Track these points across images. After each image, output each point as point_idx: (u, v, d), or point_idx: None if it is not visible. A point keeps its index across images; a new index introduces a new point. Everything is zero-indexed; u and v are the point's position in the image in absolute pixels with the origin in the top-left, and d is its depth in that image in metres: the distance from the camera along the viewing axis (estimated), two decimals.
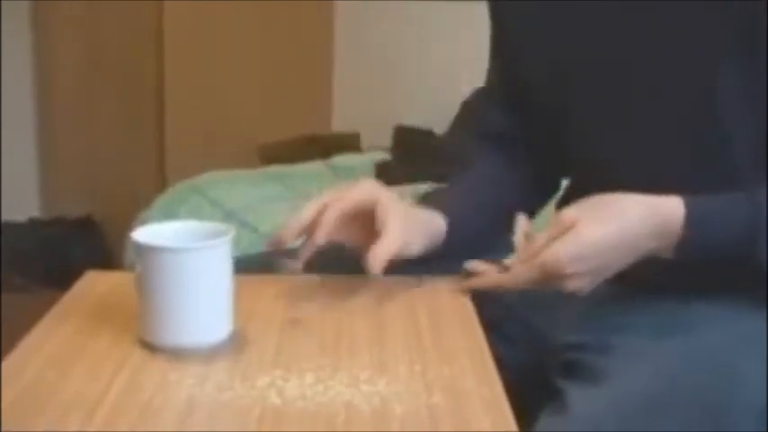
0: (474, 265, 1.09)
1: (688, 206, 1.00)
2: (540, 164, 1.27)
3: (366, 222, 1.09)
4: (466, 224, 1.18)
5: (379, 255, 1.06)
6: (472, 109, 1.51)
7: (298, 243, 1.09)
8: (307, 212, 1.08)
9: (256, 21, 3.35)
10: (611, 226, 1.00)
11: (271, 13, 3.38)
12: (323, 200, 1.09)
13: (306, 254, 1.08)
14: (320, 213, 1.07)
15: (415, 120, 3.20)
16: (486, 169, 1.28)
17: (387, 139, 3.21)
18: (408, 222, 1.11)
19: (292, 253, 1.09)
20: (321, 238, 1.06)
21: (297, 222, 1.07)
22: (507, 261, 1.05)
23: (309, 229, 1.08)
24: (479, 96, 1.42)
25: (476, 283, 1.08)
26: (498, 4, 1.26)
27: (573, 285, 1.00)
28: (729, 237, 0.99)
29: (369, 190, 1.11)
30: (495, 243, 1.20)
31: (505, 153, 1.28)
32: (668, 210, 1.00)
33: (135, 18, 3.27)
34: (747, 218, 0.99)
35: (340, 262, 1.12)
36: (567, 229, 0.99)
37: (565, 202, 1.27)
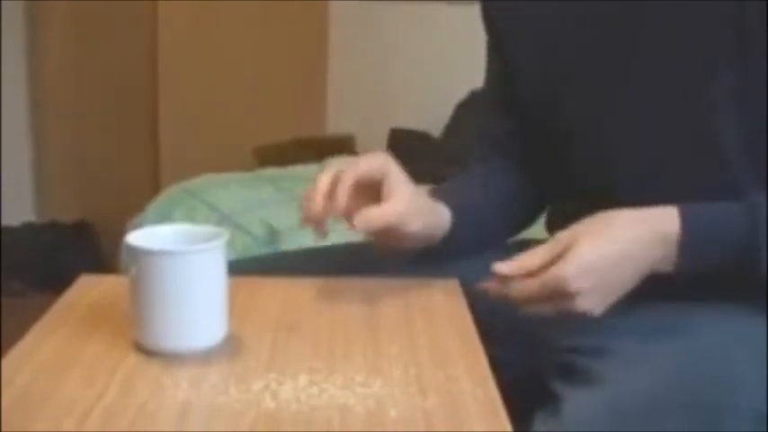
0: (501, 267, 1.03)
1: (683, 215, 1.00)
2: (537, 166, 1.27)
3: (374, 194, 1.08)
4: (467, 222, 1.18)
5: (373, 215, 1.05)
6: (476, 109, 1.52)
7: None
8: (322, 182, 1.06)
9: (251, 23, 3.36)
10: (611, 241, 0.99)
11: (265, 15, 3.38)
12: (334, 169, 1.08)
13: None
14: (333, 183, 1.06)
15: (410, 122, 3.20)
16: (486, 173, 1.28)
17: (382, 142, 3.21)
18: (414, 199, 1.11)
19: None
20: (341, 207, 1.05)
21: (318, 193, 1.06)
22: (504, 269, 1.03)
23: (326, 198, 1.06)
24: (480, 97, 1.42)
25: (489, 287, 1.05)
26: (491, 6, 1.26)
27: (581, 305, 0.99)
28: (728, 245, 0.99)
29: (381, 160, 1.10)
30: (491, 245, 1.20)
31: (504, 156, 1.28)
32: (664, 220, 1.00)
33: (129, 21, 3.27)
34: (743, 226, 0.99)
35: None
36: (566, 248, 0.99)
37: (558, 206, 1.27)
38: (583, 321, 1.09)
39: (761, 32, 0.99)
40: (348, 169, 1.07)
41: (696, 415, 0.96)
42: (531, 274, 0.99)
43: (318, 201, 1.05)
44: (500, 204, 1.26)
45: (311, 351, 0.94)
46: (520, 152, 1.27)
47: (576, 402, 0.97)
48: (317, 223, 1.06)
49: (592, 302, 0.99)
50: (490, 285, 1.03)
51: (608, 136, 1.12)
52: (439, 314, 1.05)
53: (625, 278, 1.01)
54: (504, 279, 1.01)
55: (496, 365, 0.91)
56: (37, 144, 3.87)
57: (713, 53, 1.02)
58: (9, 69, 3.71)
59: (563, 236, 1.01)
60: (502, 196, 1.27)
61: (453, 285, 1.12)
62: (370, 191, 1.08)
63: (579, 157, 1.17)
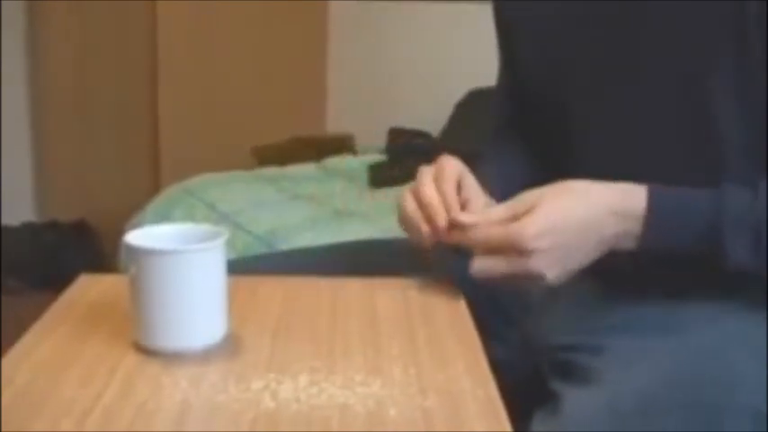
0: (464, 217, 1.05)
1: (651, 193, 1.00)
2: (545, 161, 1.27)
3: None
4: None
5: (472, 215, 1.06)
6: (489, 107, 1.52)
7: None
8: (431, 192, 1.08)
9: (250, 22, 3.36)
10: (575, 206, 1.00)
11: (265, 14, 3.38)
12: (430, 178, 1.09)
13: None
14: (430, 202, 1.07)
15: (409, 121, 3.20)
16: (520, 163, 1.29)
17: (381, 141, 3.21)
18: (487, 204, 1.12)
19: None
20: (459, 214, 1.06)
21: (438, 202, 1.07)
22: (466, 219, 1.04)
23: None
24: (494, 94, 1.42)
25: (446, 237, 1.06)
26: (501, 6, 1.27)
27: (535, 265, 0.98)
28: (692, 228, 0.99)
29: (458, 164, 1.11)
30: None
31: (521, 144, 1.29)
32: (630, 194, 1.01)
33: (128, 20, 3.27)
34: (710, 211, 0.98)
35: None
36: (531, 206, 0.99)
37: None
38: (580, 320, 1.09)
39: (761, 31, 0.99)
40: (446, 180, 1.08)
41: (695, 414, 0.96)
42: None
43: (441, 213, 1.06)
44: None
45: (311, 350, 0.94)
46: (529, 145, 1.28)
47: (576, 402, 0.98)
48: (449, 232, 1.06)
49: (546, 264, 0.99)
50: (452, 233, 1.04)
51: (610, 134, 1.12)
52: (439, 314, 1.05)
53: (585, 248, 1.01)
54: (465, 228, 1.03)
55: (496, 365, 0.91)
56: (37, 144, 3.87)
57: (714, 52, 1.02)
58: (9, 69, 3.71)
59: (529, 195, 1.01)
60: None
61: (453, 285, 1.11)
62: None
63: (581, 155, 1.17)
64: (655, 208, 1.00)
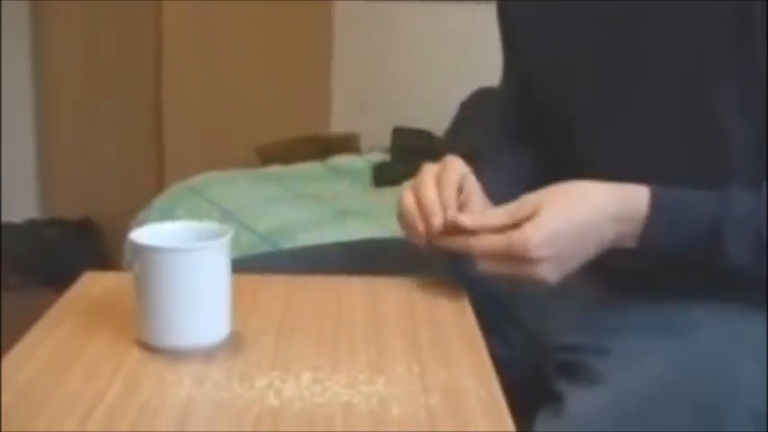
0: (462, 218, 1.05)
1: (653, 194, 1.00)
2: (548, 161, 1.27)
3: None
4: None
5: (472, 217, 1.05)
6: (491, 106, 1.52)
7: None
8: (430, 190, 1.08)
9: (255, 21, 3.35)
10: (576, 211, 1.00)
11: (270, 13, 3.38)
12: (431, 177, 1.09)
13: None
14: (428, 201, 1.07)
15: (413, 121, 3.20)
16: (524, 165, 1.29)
17: (385, 140, 3.21)
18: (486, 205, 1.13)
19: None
20: (459, 215, 1.06)
21: (435, 202, 1.07)
22: (466, 221, 1.03)
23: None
24: (498, 94, 1.42)
25: (447, 241, 1.06)
26: (504, 4, 1.27)
27: (539, 272, 0.99)
28: (693, 229, 0.99)
29: (462, 166, 1.11)
30: None
31: (523, 145, 1.29)
32: (632, 195, 1.01)
33: (134, 19, 3.27)
34: (712, 213, 0.98)
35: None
36: (533, 211, 0.99)
37: None
38: (584, 320, 1.09)
39: (762, 31, 0.99)
40: (448, 181, 1.08)
41: (697, 415, 0.96)
42: (493, 232, 1.00)
43: (439, 214, 1.06)
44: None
45: (315, 349, 0.94)
46: (531, 146, 1.28)
47: (579, 402, 0.98)
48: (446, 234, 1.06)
49: (550, 271, 0.99)
50: (455, 237, 1.04)
51: (613, 135, 1.12)
52: (442, 313, 1.05)
53: (587, 250, 1.01)
54: (466, 232, 1.02)
55: (499, 365, 0.91)
56: (41, 141, 3.87)
57: (715, 52, 1.02)
58: (13, 65, 3.72)
59: (529, 198, 1.01)
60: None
61: (457, 284, 1.11)
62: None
63: (584, 156, 1.17)
64: (656, 209, 1.00)
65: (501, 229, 1.00)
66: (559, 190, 1.02)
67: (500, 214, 1.02)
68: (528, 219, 0.99)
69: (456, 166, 1.11)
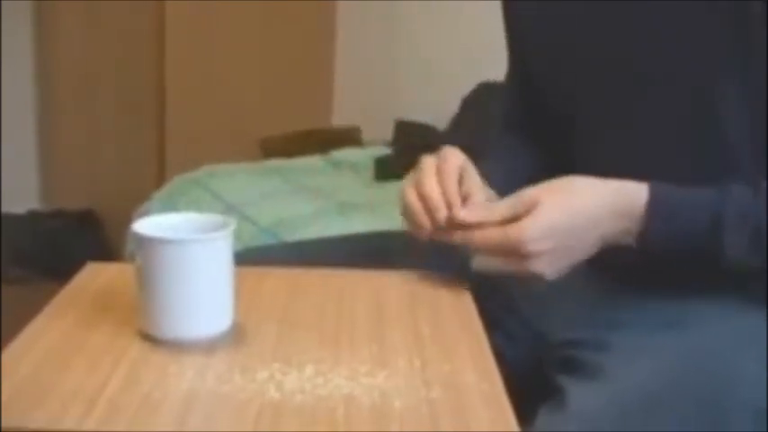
0: (466, 215, 1.05)
1: (652, 190, 1.00)
2: (551, 157, 1.27)
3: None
4: None
5: (474, 213, 1.05)
6: (497, 102, 1.52)
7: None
8: (432, 185, 1.08)
9: (258, 15, 3.35)
10: (575, 206, 1.00)
11: (273, 7, 3.37)
12: (431, 169, 1.09)
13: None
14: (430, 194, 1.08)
15: (415, 114, 3.20)
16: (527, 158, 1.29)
17: (387, 134, 3.20)
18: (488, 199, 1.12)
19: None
20: (461, 211, 1.06)
21: (439, 195, 1.07)
22: (469, 218, 1.03)
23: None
24: (503, 90, 1.42)
25: (448, 235, 1.06)
26: (509, 3, 1.27)
27: (535, 267, 0.99)
28: (692, 226, 0.99)
29: (460, 157, 1.12)
30: None
31: (527, 140, 1.29)
32: (631, 192, 1.01)
33: (136, 12, 3.26)
34: (712, 210, 0.98)
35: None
36: (531, 205, 0.99)
37: None
38: (585, 316, 1.09)
39: (762, 31, 0.99)
40: (448, 174, 1.08)
41: (699, 410, 0.96)
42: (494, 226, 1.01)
43: (442, 208, 1.06)
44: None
45: (316, 341, 0.94)
46: (536, 142, 1.28)
47: (580, 396, 0.98)
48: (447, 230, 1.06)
49: (546, 266, 1.00)
50: (452, 232, 1.04)
51: (615, 135, 1.12)
52: (444, 307, 1.05)
53: (584, 246, 1.01)
54: (467, 227, 1.03)
55: (501, 359, 0.91)
56: (43, 132, 3.87)
57: (717, 54, 1.02)
58: (16, 56, 3.72)
59: (527, 193, 1.01)
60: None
61: (459, 278, 1.11)
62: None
63: (587, 156, 1.17)
64: (655, 205, 1.00)
65: (502, 224, 1.00)
66: (558, 185, 1.02)
67: (502, 208, 1.02)
68: (526, 213, 0.99)
69: (454, 157, 1.11)
